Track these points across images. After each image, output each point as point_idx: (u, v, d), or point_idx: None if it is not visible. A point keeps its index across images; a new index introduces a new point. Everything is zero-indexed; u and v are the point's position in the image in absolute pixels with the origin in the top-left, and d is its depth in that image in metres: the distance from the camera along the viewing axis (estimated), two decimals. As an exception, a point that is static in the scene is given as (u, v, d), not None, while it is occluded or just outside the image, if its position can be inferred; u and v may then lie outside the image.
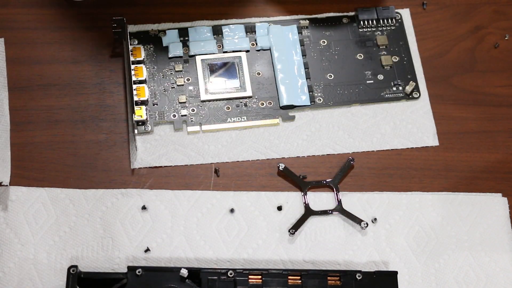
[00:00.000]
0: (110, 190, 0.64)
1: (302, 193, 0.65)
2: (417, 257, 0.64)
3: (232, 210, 0.64)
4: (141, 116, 0.66)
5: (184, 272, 0.59)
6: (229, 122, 0.67)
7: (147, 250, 0.62)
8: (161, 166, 0.66)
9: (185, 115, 0.67)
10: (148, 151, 0.66)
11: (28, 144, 0.65)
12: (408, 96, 0.69)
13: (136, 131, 0.65)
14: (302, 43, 0.71)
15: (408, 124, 0.69)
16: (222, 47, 0.70)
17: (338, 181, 0.66)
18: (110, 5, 0.72)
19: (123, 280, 0.59)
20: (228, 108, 0.68)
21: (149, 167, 0.66)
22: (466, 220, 0.65)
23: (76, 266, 0.58)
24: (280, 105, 0.68)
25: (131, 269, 0.59)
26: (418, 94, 0.69)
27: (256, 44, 0.70)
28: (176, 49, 0.69)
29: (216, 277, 0.59)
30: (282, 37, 0.70)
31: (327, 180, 0.66)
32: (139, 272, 0.59)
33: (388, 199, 0.66)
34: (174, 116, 0.67)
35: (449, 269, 0.64)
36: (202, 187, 0.65)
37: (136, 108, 0.66)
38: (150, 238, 0.63)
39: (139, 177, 0.65)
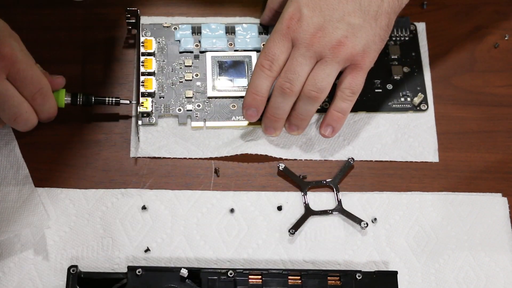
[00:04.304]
0: (110, 190, 0.64)
1: (302, 193, 0.65)
2: (417, 257, 0.64)
3: (232, 210, 0.64)
4: (146, 107, 0.66)
5: (184, 272, 0.59)
6: (234, 120, 0.67)
7: (147, 250, 0.62)
8: (159, 158, 0.66)
9: (190, 110, 0.67)
10: (149, 141, 0.66)
11: (28, 144, 0.65)
12: (416, 108, 0.69)
13: (140, 122, 0.66)
14: None
15: (410, 137, 0.68)
16: (234, 45, 0.70)
17: (338, 181, 0.66)
18: (110, 5, 0.72)
19: (123, 280, 0.59)
20: (233, 106, 0.68)
21: (149, 157, 0.66)
22: (466, 220, 0.65)
23: (76, 266, 0.58)
24: None
25: (131, 269, 0.59)
26: (426, 107, 0.69)
27: None
28: (187, 44, 0.69)
29: (216, 277, 0.59)
30: None
31: (327, 180, 0.66)
32: (139, 272, 0.59)
33: (388, 199, 0.66)
34: (180, 110, 0.67)
35: (449, 269, 0.64)
36: (202, 187, 0.65)
37: (142, 99, 0.66)
38: (150, 238, 0.63)
39: (139, 177, 0.65)
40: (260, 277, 0.59)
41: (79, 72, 0.69)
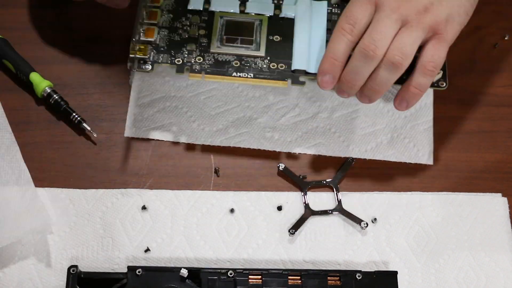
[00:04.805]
0: (110, 190, 0.64)
1: (302, 193, 0.65)
2: (417, 257, 0.64)
3: (232, 210, 0.64)
4: (144, 54, 0.63)
5: (184, 272, 0.59)
6: (234, 76, 0.64)
7: (147, 250, 0.62)
8: (153, 139, 0.66)
9: (190, 62, 0.64)
10: (142, 123, 0.65)
11: (28, 144, 0.65)
12: (434, 85, 0.65)
13: (134, 66, 0.63)
14: (329, 19, 0.67)
15: (405, 138, 0.68)
16: (245, 8, 0.67)
17: (338, 181, 0.66)
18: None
19: (123, 280, 0.59)
20: (236, 63, 0.65)
21: (141, 138, 0.66)
22: (466, 220, 0.65)
23: (76, 266, 0.58)
24: (292, 69, 0.65)
25: (131, 269, 0.59)
26: (444, 84, 0.65)
27: (281, 11, 0.67)
28: (197, 2, 0.67)
29: (216, 277, 0.59)
30: (309, 10, 0.67)
31: (327, 180, 0.66)
32: (139, 272, 0.59)
33: (388, 199, 0.66)
34: (179, 61, 0.64)
35: (449, 269, 0.64)
36: (202, 187, 0.65)
37: (140, 45, 0.64)
38: (150, 238, 0.63)
39: (139, 177, 0.65)
40: (260, 277, 0.59)
41: (79, 72, 0.69)
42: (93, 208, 0.63)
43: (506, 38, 0.73)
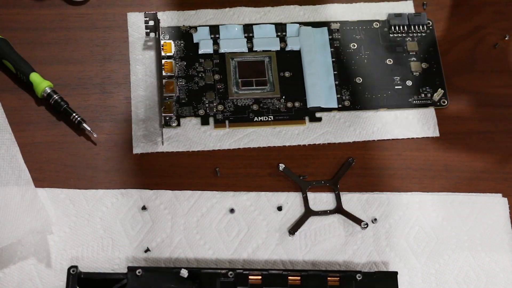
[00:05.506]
0: (110, 190, 0.64)
1: (302, 193, 0.65)
2: (417, 257, 0.64)
3: (232, 210, 0.64)
4: (169, 111, 0.66)
5: (184, 273, 0.59)
6: (256, 121, 0.67)
7: (147, 250, 0.62)
8: (159, 158, 0.66)
9: (213, 111, 0.67)
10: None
11: (28, 144, 0.65)
12: (437, 104, 0.69)
13: (163, 125, 0.66)
14: (332, 46, 0.71)
15: (408, 115, 0.69)
16: (252, 46, 0.70)
17: (338, 181, 0.66)
18: (111, 5, 0.72)
19: (123, 280, 0.59)
20: (256, 107, 0.68)
21: (149, 157, 0.66)
22: (466, 220, 0.65)
23: (76, 266, 0.58)
24: (308, 107, 0.68)
25: (131, 269, 0.59)
26: (446, 102, 0.69)
27: (286, 44, 0.70)
28: (206, 46, 0.69)
29: (216, 278, 0.59)
30: (312, 38, 0.71)
31: (327, 180, 0.66)
32: (139, 272, 0.59)
33: (388, 199, 0.66)
34: (202, 112, 0.67)
35: (449, 269, 0.64)
36: (202, 187, 0.65)
37: (164, 103, 0.66)
38: (150, 238, 0.63)
39: (139, 177, 0.65)
40: (260, 277, 0.59)
41: (79, 72, 0.69)
42: (93, 208, 0.63)
43: (506, 38, 0.73)
